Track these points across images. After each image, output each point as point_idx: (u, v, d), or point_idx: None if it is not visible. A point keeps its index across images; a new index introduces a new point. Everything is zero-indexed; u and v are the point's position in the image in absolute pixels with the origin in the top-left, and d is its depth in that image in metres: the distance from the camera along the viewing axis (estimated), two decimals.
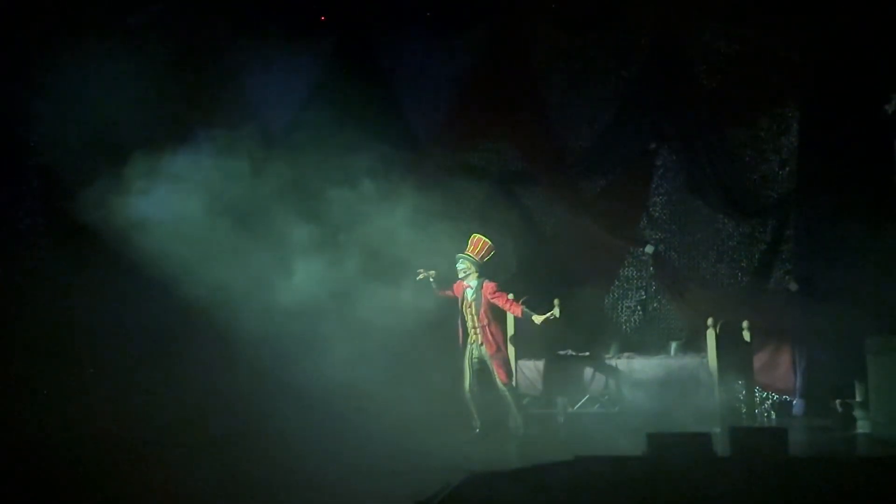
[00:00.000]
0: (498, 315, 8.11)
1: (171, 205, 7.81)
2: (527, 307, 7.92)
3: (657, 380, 8.40)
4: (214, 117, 8.93)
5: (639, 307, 10.11)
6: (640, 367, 8.57)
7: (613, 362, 8.65)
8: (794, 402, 9.36)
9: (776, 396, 9.50)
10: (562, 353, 8.94)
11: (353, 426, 7.76)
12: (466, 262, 8.01)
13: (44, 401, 7.63)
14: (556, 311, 8.19)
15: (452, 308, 8.16)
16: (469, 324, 8.00)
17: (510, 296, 8.02)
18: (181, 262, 7.63)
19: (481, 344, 7.95)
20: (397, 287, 8.02)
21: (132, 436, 7.23)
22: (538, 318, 7.87)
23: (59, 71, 8.33)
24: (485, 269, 8.09)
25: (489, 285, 7.98)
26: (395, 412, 8.02)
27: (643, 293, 10.17)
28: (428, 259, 7.97)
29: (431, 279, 7.96)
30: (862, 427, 8.01)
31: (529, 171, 10.39)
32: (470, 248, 8.06)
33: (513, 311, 8.01)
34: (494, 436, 7.94)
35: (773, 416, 9.35)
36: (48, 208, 8.61)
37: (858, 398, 8.16)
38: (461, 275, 8.04)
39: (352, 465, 6.52)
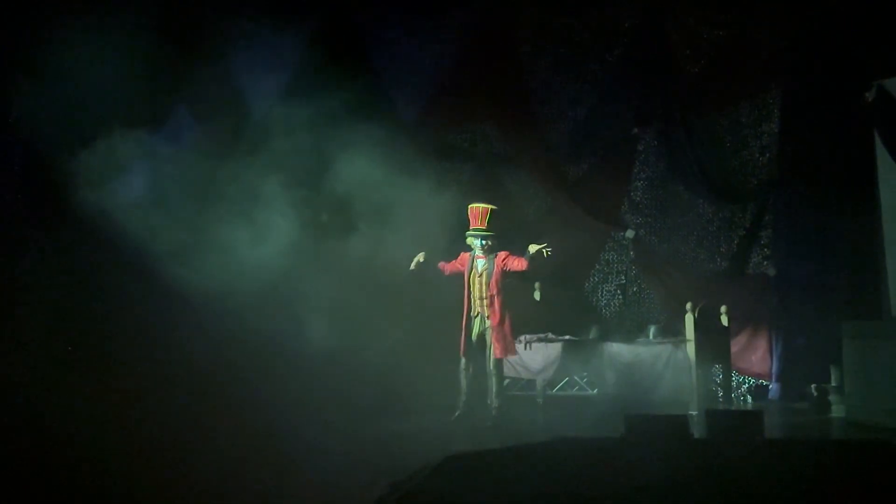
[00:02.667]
0: (503, 287, 7.93)
1: (154, 182, 7.76)
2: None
3: (635, 363, 8.48)
4: (197, 96, 8.86)
5: (619, 291, 10.17)
6: (618, 350, 8.63)
7: (593, 345, 8.70)
8: (771, 386, 9.46)
9: (753, 380, 9.59)
10: (542, 335, 8.97)
11: (328, 405, 7.75)
12: (487, 237, 7.86)
13: (25, 379, 7.56)
14: (543, 250, 7.81)
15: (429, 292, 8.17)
16: (476, 294, 7.86)
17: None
18: (164, 240, 7.61)
19: (487, 316, 7.84)
20: (379, 268, 8.02)
21: (112, 410, 7.18)
22: (533, 248, 7.75)
23: (40, 45, 8.24)
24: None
25: (502, 253, 7.85)
26: (371, 390, 8.02)
27: (623, 277, 10.22)
28: (410, 239, 7.97)
29: (422, 259, 7.86)
30: (837, 411, 8.10)
31: (512, 154, 10.39)
32: (479, 221, 7.89)
33: (522, 266, 7.80)
34: (474, 417, 7.96)
35: (750, 400, 9.44)
36: (29, 185, 8.52)
37: (834, 383, 8.25)
38: (480, 251, 7.89)
39: (328, 445, 6.51)
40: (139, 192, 7.86)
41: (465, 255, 7.98)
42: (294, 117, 8.52)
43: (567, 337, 8.94)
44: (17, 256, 8.02)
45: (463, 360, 7.84)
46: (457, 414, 7.83)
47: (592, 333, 9.00)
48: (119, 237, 7.74)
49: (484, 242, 7.87)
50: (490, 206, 7.93)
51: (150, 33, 8.37)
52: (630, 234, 10.11)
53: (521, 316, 9.01)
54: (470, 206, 7.96)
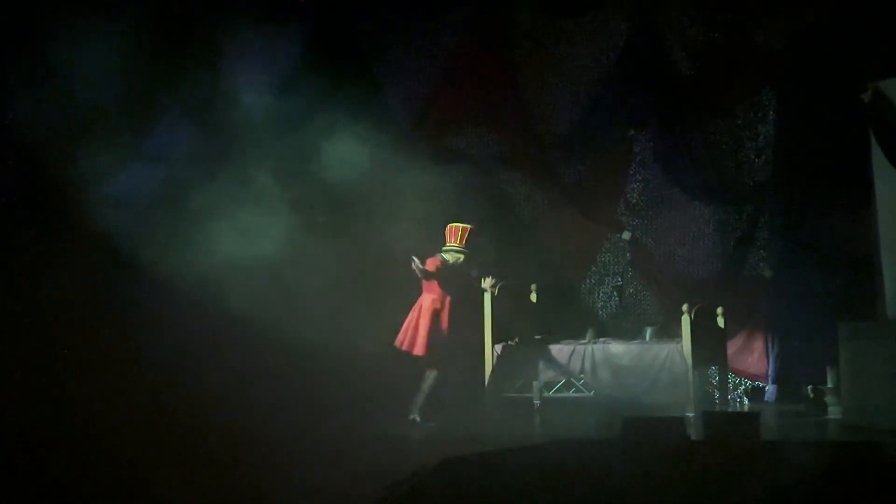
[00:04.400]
0: None
1: (148, 182, 7.75)
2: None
3: (632, 365, 8.47)
4: (192, 98, 8.86)
5: (615, 292, 10.16)
6: (615, 352, 8.62)
7: (589, 347, 8.70)
8: (767, 387, 9.46)
9: (749, 382, 9.59)
10: (538, 337, 8.98)
11: (325, 407, 7.74)
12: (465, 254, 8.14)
13: (18, 383, 7.55)
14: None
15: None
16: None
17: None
18: (160, 241, 7.60)
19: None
20: (375, 268, 8.02)
21: (107, 411, 7.17)
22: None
23: (34, 46, 8.23)
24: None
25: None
26: (369, 391, 8.01)
27: (619, 279, 10.21)
28: (405, 240, 7.97)
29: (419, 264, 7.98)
30: (833, 413, 8.10)
31: (509, 156, 10.40)
32: (459, 239, 8.12)
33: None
34: (467, 419, 7.97)
35: (746, 402, 9.44)
36: (26, 186, 8.52)
37: (830, 384, 8.25)
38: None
39: (325, 447, 6.50)
40: (135, 192, 7.86)
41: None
42: (289, 119, 8.53)
43: (547, 336, 8.97)
44: (12, 258, 8.01)
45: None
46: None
47: (589, 335, 9.00)
48: (116, 237, 7.74)
49: (464, 255, 8.11)
50: (467, 226, 8.20)
51: (147, 35, 8.38)
52: (626, 235, 10.12)
53: (518, 318, 9.07)
54: (449, 226, 8.18)
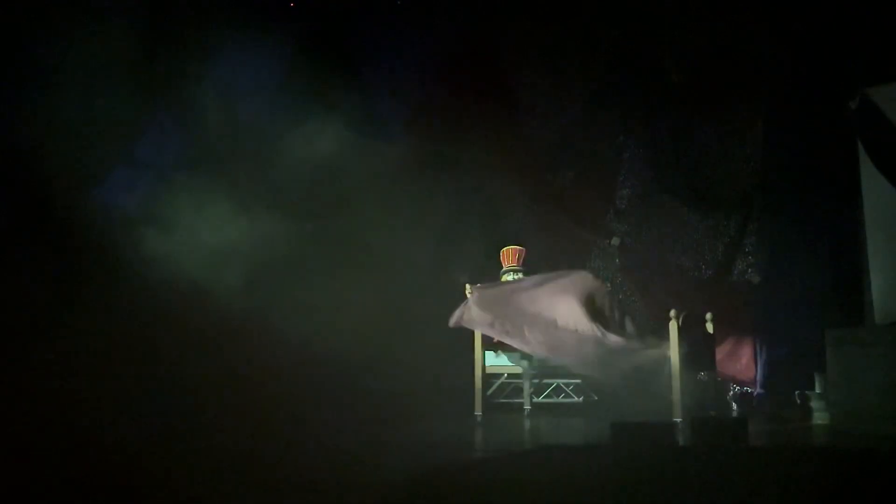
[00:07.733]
0: None
1: (138, 190, 7.74)
2: None
3: (621, 370, 8.47)
4: (180, 102, 8.85)
5: None
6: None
7: None
8: (755, 393, 9.48)
9: (737, 387, 9.61)
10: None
11: (315, 412, 7.72)
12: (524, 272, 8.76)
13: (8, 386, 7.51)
14: None
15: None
16: None
17: None
18: (151, 246, 7.60)
19: None
20: (369, 280, 8.03)
21: (102, 415, 7.13)
22: None
23: (21, 53, 8.21)
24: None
25: None
26: (358, 399, 8.01)
27: (609, 285, 10.21)
28: (398, 245, 7.99)
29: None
30: (821, 418, 8.11)
31: (497, 162, 10.39)
32: (517, 260, 8.81)
33: None
34: (457, 424, 7.97)
35: (735, 407, 9.46)
36: (12, 194, 8.49)
37: (818, 390, 8.26)
38: None
39: (314, 453, 6.47)
40: (122, 197, 7.85)
41: None
42: (277, 123, 8.52)
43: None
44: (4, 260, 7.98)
45: None
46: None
47: None
48: (104, 244, 7.71)
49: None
50: (521, 248, 8.92)
51: (132, 39, 8.36)
52: (616, 241, 10.14)
53: None
54: (503, 249, 8.91)
